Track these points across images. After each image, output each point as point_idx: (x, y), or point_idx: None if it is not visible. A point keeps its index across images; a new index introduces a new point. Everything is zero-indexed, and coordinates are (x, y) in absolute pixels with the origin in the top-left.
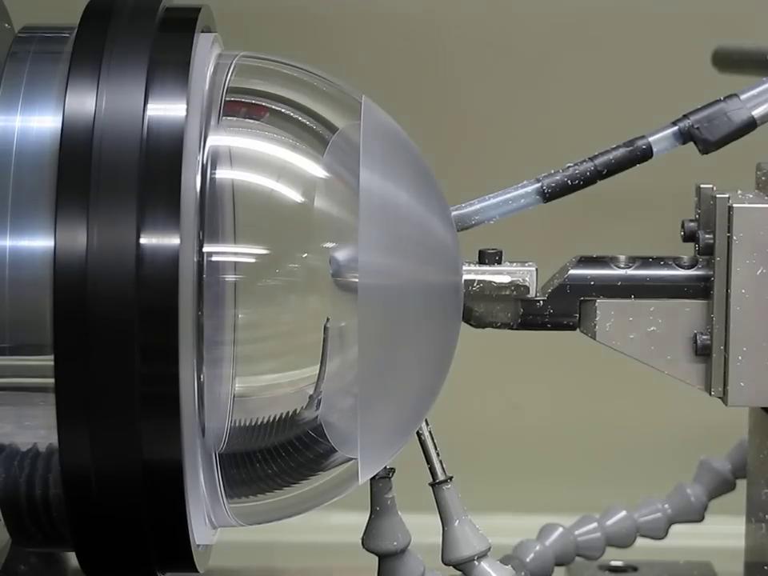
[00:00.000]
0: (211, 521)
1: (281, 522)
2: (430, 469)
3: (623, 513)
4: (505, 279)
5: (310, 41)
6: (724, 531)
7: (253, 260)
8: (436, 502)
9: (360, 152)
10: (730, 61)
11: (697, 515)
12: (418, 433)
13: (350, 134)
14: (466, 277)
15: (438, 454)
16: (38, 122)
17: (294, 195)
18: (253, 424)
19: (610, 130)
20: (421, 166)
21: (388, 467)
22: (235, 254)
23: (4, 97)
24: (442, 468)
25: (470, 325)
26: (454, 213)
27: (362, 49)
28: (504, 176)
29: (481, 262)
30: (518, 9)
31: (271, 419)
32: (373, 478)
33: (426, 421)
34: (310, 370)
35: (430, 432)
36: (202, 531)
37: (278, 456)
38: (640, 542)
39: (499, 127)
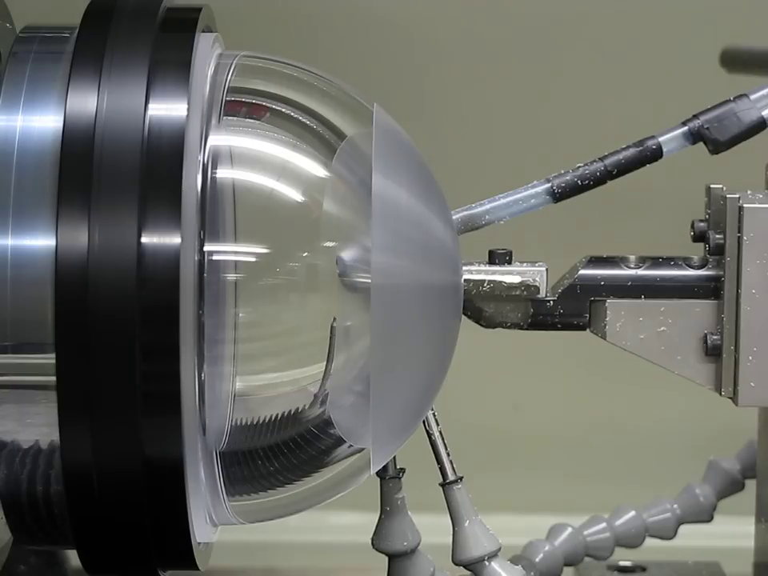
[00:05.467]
0: (212, 519)
1: (281, 522)
2: (440, 469)
3: (632, 513)
4: (515, 279)
5: (310, 41)
6: (733, 531)
7: (253, 259)
8: (446, 502)
9: (372, 158)
10: (739, 61)
11: (706, 515)
12: (428, 433)
13: (356, 139)
14: (476, 277)
15: (448, 454)
16: (40, 122)
17: (294, 194)
18: (254, 422)
19: (619, 129)
20: (424, 170)
21: (398, 467)
22: (236, 252)
23: (6, 97)
24: (453, 468)
25: (480, 325)
26: (464, 213)
27: (363, 49)
28: (514, 176)
29: (491, 262)
30: (530, 7)
31: (273, 417)
32: (383, 478)
33: (437, 421)
34: (312, 368)
35: (440, 432)
36: (202, 529)
37: (281, 453)
38: (649, 542)
39: (509, 127)
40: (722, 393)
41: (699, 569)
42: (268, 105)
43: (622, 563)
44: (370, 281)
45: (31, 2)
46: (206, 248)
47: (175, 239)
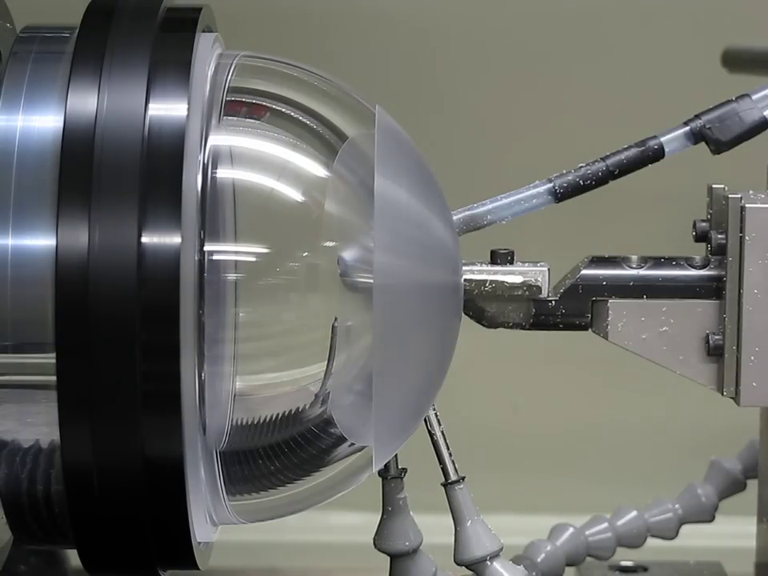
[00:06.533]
0: (212, 518)
1: (281, 522)
2: (442, 469)
3: (634, 513)
4: (517, 279)
5: (310, 41)
6: (734, 531)
7: (253, 258)
8: (448, 502)
9: (375, 160)
10: (740, 61)
11: (707, 515)
12: (430, 433)
13: (357, 140)
14: (478, 277)
15: (450, 454)
16: (40, 122)
17: (294, 194)
18: (255, 421)
19: (621, 129)
20: (425, 171)
21: (400, 467)
22: (236, 252)
23: (6, 97)
24: (455, 468)
25: (483, 325)
26: (466, 213)
27: (364, 49)
28: (516, 176)
29: (493, 262)
30: (531, 7)
31: (274, 416)
32: (385, 478)
33: (439, 421)
34: (312, 368)
35: (442, 432)
36: (202, 528)
37: (282, 453)
38: (650, 542)
39: (511, 127)
40: (724, 393)
41: (701, 569)
42: (268, 105)
43: (623, 563)
44: (372, 281)
45: (31, 2)
46: (206, 248)
47: (175, 239)
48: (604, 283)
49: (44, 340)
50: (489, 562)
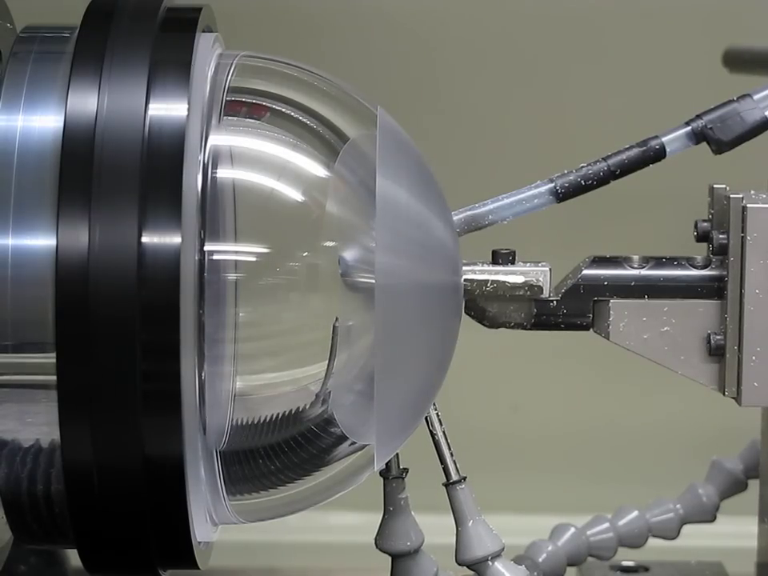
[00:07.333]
0: (212, 518)
1: (281, 522)
2: (443, 469)
3: (635, 513)
4: (518, 279)
5: (310, 41)
6: (736, 531)
7: (253, 258)
8: (450, 502)
9: (376, 162)
10: (741, 61)
11: (708, 515)
12: (431, 433)
13: (357, 140)
14: (479, 277)
15: (451, 454)
16: (40, 122)
17: (294, 194)
18: (255, 421)
19: (623, 129)
20: (425, 171)
21: (402, 467)
22: (236, 252)
23: (6, 97)
24: (456, 468)
25: (484, 325)
26: (467, 213)
27: (364, 49)
28: (517, 176)
29: (494, 262)
30: (532, 8)
31: (274, 416)
32: (386, 478)
33: (440, 421)
34: (312, 368)
35: (443, 432)
36: (203, 528)
37: (282, 452)
38: (651, 542)
39: (511, 128)
40: (726, 393)
41: (702, 569)
42: (268, 105)
43: (624, 563)
44: (373, 281)
45: (31, 2)
46: (207, 248)
47: (175, 239)
48: (605, 283)
49: (44, 340)
50: (490, 562)
